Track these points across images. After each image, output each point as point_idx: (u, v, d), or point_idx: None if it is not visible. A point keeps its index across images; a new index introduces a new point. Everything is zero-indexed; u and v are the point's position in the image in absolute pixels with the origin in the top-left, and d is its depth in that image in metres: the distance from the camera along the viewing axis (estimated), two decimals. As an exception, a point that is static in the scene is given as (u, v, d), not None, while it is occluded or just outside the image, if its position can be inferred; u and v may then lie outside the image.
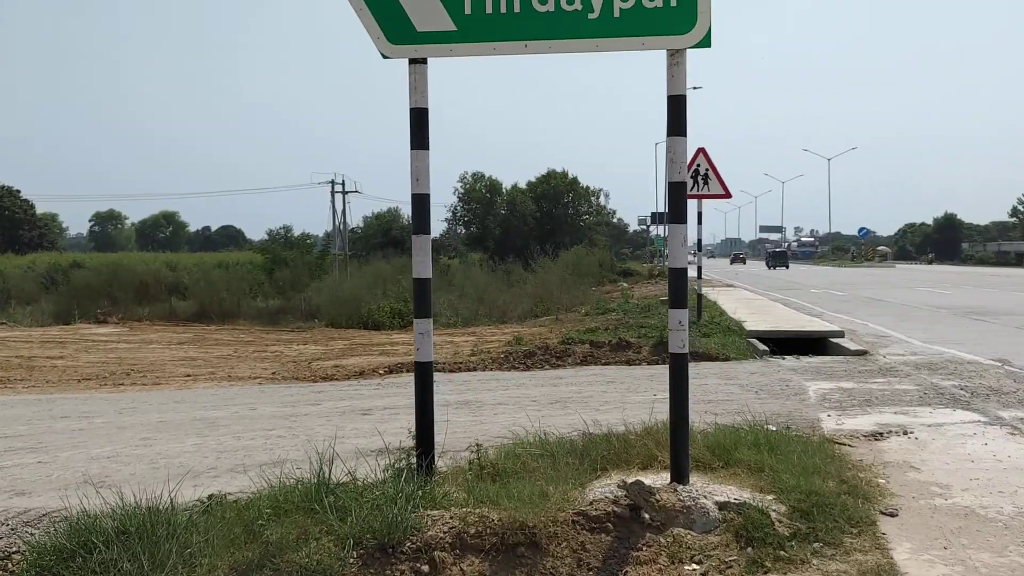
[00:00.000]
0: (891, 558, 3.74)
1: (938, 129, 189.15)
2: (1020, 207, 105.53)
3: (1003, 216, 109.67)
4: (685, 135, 4.22)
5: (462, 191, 56.15)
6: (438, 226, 58.28)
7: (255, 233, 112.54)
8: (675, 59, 4.17)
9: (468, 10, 4.20)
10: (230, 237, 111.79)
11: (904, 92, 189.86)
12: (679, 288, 4.35)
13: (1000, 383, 8.69)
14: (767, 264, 71.12)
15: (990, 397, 7.88)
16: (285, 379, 11.57)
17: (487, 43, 4.23)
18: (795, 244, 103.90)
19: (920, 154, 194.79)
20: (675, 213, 4.35)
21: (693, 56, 4.27)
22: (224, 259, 45.23)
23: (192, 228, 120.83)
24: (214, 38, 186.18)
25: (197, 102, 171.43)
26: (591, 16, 4.18)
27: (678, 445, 4.36)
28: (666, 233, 4.55)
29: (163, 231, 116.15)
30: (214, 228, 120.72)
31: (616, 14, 4.17)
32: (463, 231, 57.54)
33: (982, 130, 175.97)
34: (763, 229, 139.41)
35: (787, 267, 66.50)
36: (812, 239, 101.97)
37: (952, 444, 6.00)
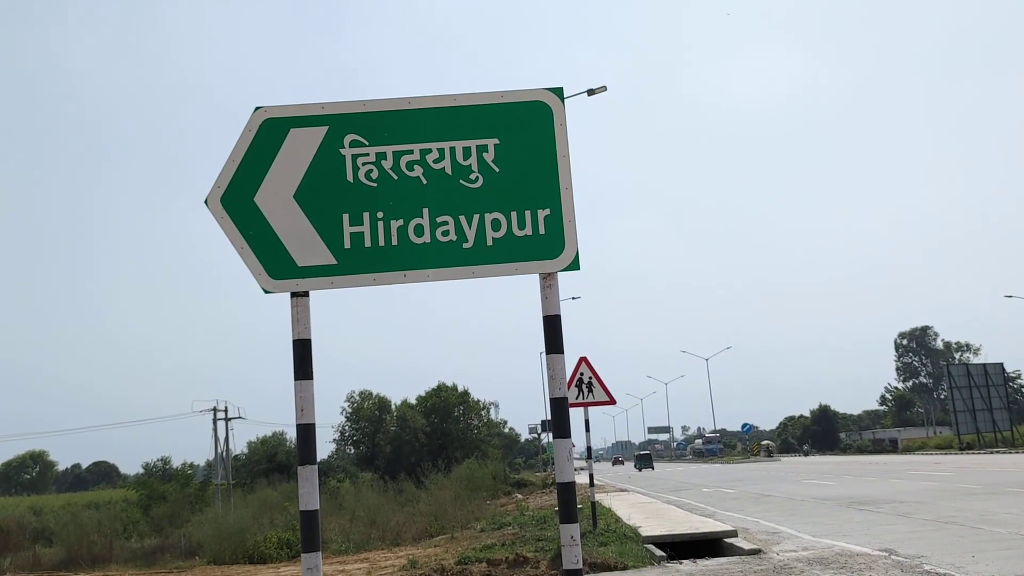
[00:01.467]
0: None
1: (800, 334, 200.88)
2: (888, 395, 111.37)
3: (873, 405, 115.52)
4: (562, 352, 4.40)
5: (350, 411, 55.42)
6: (326, 447, 56.94)
7: (130, 467, 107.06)
8: (547, 281, 4.42)
9: (348, 244, 4.39)
10: (103, 474, 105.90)
11: (765, 306, 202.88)
12: (569, 502, 4.37)
13: (889, 574, 8.85)
14: (635, 466, 73.66)
15: (881, 588, 8.00)
16: (162, 627, 10.73)
17: (367, 275, 4.39)
18: (700, 442, 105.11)
19: (790, 352, 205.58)
20: (559, 428, 4.44)
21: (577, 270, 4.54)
22: (95, 498, 42.73)
23: (61, 466, 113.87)
24: (72, 268, 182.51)
25: (59, 333, 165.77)
26: (466, 246, 4.42)
27: (580, 667, 4.24)
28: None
29: (29, 472, 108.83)
30: (85, 465, 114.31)
31: (489, 243, 4.43)
32: (352, 451, 56.26)
33: (845, 336, 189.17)
34: (651, 430, 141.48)
35: (652, 468, 70.89)
36: (716, 435, 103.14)
37: (850, 640, 6.03)
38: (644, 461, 74.21)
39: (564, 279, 4.47)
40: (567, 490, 4.36)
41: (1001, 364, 66.09)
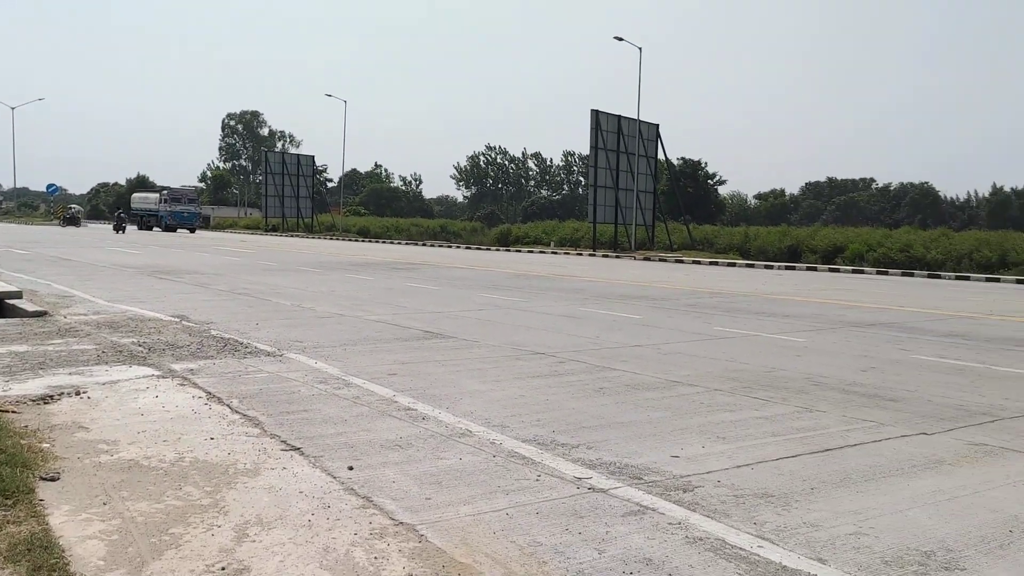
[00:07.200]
0: (47, 524, 3.57)
1: (126, 104, 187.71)
2: (208, 174, 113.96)
3: (193, 182, 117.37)
4: None
5: None
6: None
7: None
8: None
9: None
10: None
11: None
12: None
13: (177, 338, 9.13)
14: None
15: (166, 352, 8.21)
16: None
17: None
18: (162, 199, 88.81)
19: (112, 121, 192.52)
20: None
21: None
22: None
23: None
24: None
25: None
26: None
27: None
28: None
29: None
30: None
31: None
32: None
33: (175, 115, 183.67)
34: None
35: None
36: (192, 190, 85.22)
37: (125, 400, 6.07)
38: None
39: None
40: None
41: (312, 157, 71.90)
